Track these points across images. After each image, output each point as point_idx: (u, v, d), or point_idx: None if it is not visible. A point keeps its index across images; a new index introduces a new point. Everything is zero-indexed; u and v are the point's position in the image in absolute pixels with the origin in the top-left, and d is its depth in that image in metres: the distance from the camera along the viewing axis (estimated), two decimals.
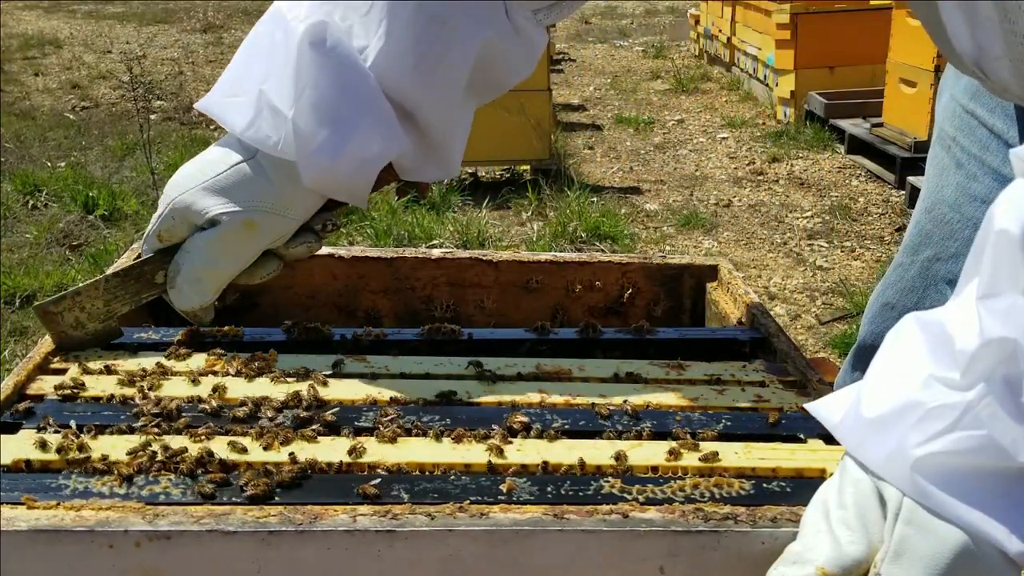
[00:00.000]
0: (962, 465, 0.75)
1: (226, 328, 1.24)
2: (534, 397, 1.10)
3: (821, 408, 0.87)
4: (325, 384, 1.10)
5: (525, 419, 1.03)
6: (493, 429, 1.00)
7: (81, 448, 0.93)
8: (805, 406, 0.94)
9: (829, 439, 1.04)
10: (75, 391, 1.06)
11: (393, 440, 0.98)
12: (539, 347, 1.26)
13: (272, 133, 1.10)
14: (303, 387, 1.08)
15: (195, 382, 1.09)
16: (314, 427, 1.00)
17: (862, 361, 1.57)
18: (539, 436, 1.00)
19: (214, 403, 1.04)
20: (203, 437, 0.97)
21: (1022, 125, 1.26)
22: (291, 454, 0.94)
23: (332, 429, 1.01)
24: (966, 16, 0.91)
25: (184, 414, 1.01)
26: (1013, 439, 0.72)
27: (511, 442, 0.98)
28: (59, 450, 0.93)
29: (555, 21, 1.23)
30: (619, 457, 0.96)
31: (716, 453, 0.97)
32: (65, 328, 1.15)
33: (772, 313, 1.66)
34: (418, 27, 1.09)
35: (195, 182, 1.14)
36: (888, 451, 0.78)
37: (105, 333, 1.18)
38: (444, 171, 1.21)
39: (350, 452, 0.95)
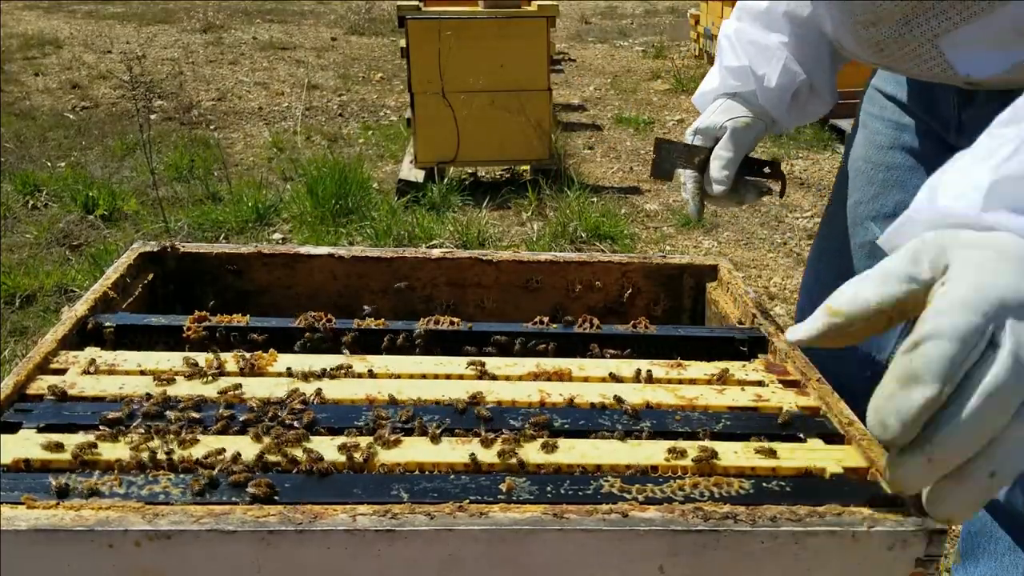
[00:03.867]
0: None
1: (232, 316, 1.26)
2: (534, 397, 1.10)
3: (895, 236, 0.94)
4: (321, 381, 1.10)
5: (544, 418, 1.03)
6: (493, 429, 1.01)
7: (92, 447, 0.94)
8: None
9: (829, 439, 1.05)
10: (70, 391, 1.06)
11: (390, 441, 0.98)
12: (537, 341, 1.26)
13: (742, 85, 1.62)
14: (303, 387, 1.08)
15: (194, 381, 1.09)
16: (313, 427, 1.01)
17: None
18: (538, 436, 1.00)
19: (215, 403, 1.04)
20: (193, 441, 0.97)
21: (908, 88, 1.61)
22: (284, 454, 0.94)
23: (331, 429, 1.01)
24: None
25: (183, 414, 1.01)
26: None
27: (510, 442, 0.98)
28: (76, 453, 0.93)
29: None
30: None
31: (770, 450, 0.97)
32: (660, 161, 1.57)
33: (772, 313, 1.66)
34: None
35: (712, 112, 1.61)
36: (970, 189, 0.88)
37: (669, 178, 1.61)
38: (827, 106, 1.69)
39: (349, 452, 0.95)
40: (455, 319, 1.27)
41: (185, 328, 1.23)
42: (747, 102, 1.64)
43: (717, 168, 1.58)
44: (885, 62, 1.42)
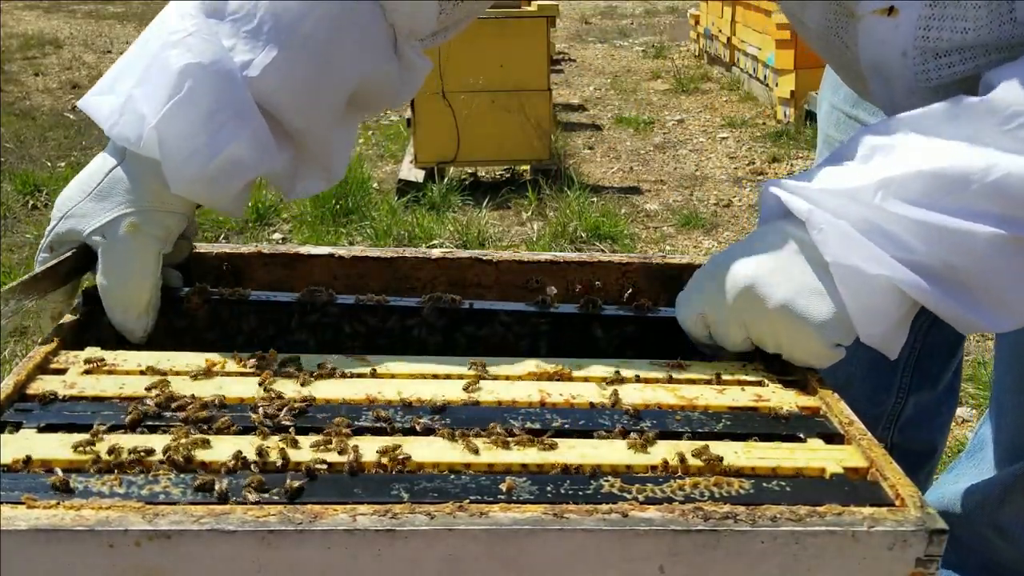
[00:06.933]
0: None
1: (234, 289, 1.30)
2: (534, 397, 1.10)
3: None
4: (321, 380, 1.10)
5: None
6: (493, 429, 1.01)
7: (93, 446, 0.94)
8: None
9: (829, 439, 1.05)
10: (70, 391, 1.06)
11: (389, 442, 0.98)
12: (539, 321, 1.28)
13: (133, 132, 1.12)
14: (303, 387, 1.08)
15: (195, 381, 1.10)
16: (311, 427, 1.01)
17: None
18: (539, 436, 1.00)
19: (216, 403, 1.04)
20: (193, 441, 0.97)
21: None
22: (281, 451, 0.94)
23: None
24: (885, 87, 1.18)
25: (184, 414, 1.01)
26: None
27: (510, 442, 0.98)
28: (76, 453, 0.93)
29: (437, 45, 1.33)
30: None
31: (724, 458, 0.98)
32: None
33: None
34: (305, 51, 1.13)
35: (82, 194, 1.18)
36: None
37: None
38: (326, 182, 1.27)
39: (348, 452, 0.95)
40: (455, 296, 1.30)
41: (185, 301, 1.26)
42: (151, 175, 1.14)
43: (124, 317, 1.17)
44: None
